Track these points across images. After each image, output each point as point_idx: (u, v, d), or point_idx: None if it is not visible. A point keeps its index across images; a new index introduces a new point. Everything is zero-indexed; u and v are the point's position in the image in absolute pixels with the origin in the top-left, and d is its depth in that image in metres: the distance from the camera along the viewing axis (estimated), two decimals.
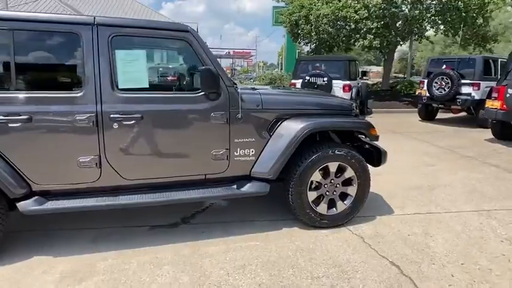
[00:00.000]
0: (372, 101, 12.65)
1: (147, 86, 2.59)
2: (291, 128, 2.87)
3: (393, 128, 8.70)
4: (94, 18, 2.45)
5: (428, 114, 9.73)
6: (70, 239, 2.84)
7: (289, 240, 2.88)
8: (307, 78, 8.66)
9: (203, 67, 2.51)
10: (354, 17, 11.71)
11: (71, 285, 2.26)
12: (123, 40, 2.53)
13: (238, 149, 2.84)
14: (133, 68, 2.53)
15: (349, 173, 3.06)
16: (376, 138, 3.19)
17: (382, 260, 2.61)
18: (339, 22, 12.50)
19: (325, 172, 3.02)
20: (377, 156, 3.25)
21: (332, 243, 2.85)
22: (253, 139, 2.86)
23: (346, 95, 8.68)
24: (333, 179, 3.05)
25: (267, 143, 2.90)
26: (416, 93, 9.87)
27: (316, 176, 2.98)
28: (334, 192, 3.09)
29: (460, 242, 2.89)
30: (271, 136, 2.90)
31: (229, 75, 2.86)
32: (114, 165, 2.57)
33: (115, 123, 2.50)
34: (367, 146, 3.38)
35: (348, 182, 3.11)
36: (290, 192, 2.95)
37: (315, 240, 2.90)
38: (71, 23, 2.41)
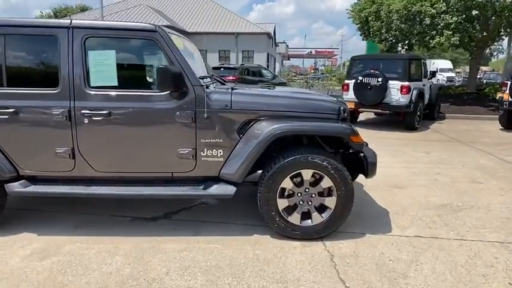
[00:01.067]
0: (448, 105, 11.26)
1: (116, 84, 2.72)
2: (259, 131, 2.73)
3: (460, 136, 7.59)
4: (70, 21, 2.68)
5: (511, 123, 8.23)
6: (59, 221, 3.16)
7: (252, 248, 2.75)
8: (360, 78, 8.05)
9: (159, 66, 2.54)
10: (430, 11, 10.49)
11: (33, 261, 2.52)
12: (96, 41, 2.71)
13: (206, 149, 2.80)
14: (104, 67, 2.70)
15: (327, 182, 2.78)
16: (360, 146, 2.83)
17: (337, 284, 2.32)
18: (415, 17, 11.34)
19: (299, 180, 2.80)
20: (366, 167, 2.89)
21: (295, 257, 2.63)
22: (221, 140, 2.80)
23: (404, 98, 7.85)
24: (307, 188, 2.81)
25: (236, 145, 2.81)
26: (497, 98, 8.42)
27: (288, 183, 2.78)
28: (310, 203, 2.84)
29: (450, 278, 2.40)
30: (241, 138, 2.80)
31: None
32: (85, 157, 2.78)
33: (85, 119, 2.70)
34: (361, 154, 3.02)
35: (325, 193, 2.83)
36: (258, 197, 2.81)
37: (278, 251, 2.71)
38: (51, 27, 2.68)
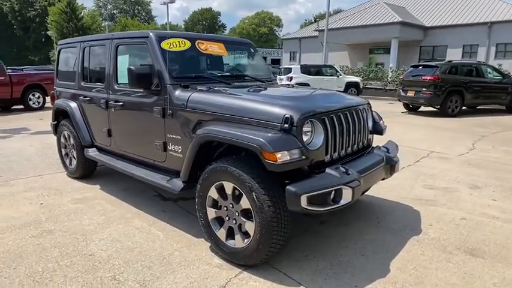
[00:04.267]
0: None
1: (128, 82, 3.37)
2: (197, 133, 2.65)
3: None
4: (112, 34, 3.54)
5: None
6: (119, 183, 4.22)
7: (178, 247, 2.75)
8: None
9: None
10: None
11: (70, 203, 3.64)
12: (122, 47, 3.45)
13: (171, 144, 3.00)
14: (123, 68, 3.40)
15: (245, 202, 2.34)
16: (272, 166, 2.13)
17: None
18: None
19: (224, 192, 2.50)
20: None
21: (193, 271, 2.43)
22: (180, 137, 2.90)
23: None
24: (232, 204, 2.47)
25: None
26: None
27: (214, 193, 2.56)
28: (234, 221, 2.48)
29: None
30: (192, 137, 2.80)
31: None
32: (114, 136, 3.64)
33: (112, 108, 3.54)
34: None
35: (246, 214, 2.38)
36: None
37: (190, 259, 2.58)
38: (104, 39, 3.65)
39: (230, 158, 2.48)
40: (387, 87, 16.91)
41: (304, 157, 2.23)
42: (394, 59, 22.18)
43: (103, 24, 48.61)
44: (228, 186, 2.44)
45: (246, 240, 2.41)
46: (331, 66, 16.42)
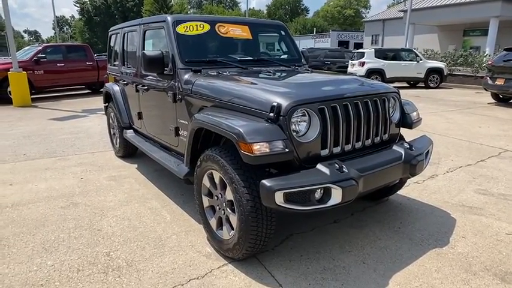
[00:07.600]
0: None
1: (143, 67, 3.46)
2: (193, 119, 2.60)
3: None
4: (142, 20, 3.66)
5: None
6: (153, 165, 4.44)
7: (176, 231, 2.79)
8: None
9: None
10: None
11: (105, 180, 3.95)
12: (148, 32, 3.54)
13: (181, 129, 3.03)
14: None
15: (229, 194, 2.24)
16: (248, 158, 1.95)
17: None
18: None
19: (214, 181, 2.44)
20: None
21: (175, 258, 2.44)
22: (187, 122, 2.90)
23: None
24: (221, 193, 2.39)
25: None
26: None
27: (206, 181, 2.51)
28: (223, 212, 2.41)
29: None
30: None
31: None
32: (144, 119, 3.81)
33: (140, 91, 3.69)
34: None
35: (231, 206, 2.28)
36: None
37: (184, 245, 2.59)
38: (136, 25, 3.79)
39: (220, 147, 2.39)
40: (478, 75, 14.72)
41: (287, 150, 2.03)
42: (492, 42, 19.17)
43: (189, 12, 51.32)
44: (216, 176, 2.37)
45: (231, 232, 2.33)
46: (410, 50, 14.86)
